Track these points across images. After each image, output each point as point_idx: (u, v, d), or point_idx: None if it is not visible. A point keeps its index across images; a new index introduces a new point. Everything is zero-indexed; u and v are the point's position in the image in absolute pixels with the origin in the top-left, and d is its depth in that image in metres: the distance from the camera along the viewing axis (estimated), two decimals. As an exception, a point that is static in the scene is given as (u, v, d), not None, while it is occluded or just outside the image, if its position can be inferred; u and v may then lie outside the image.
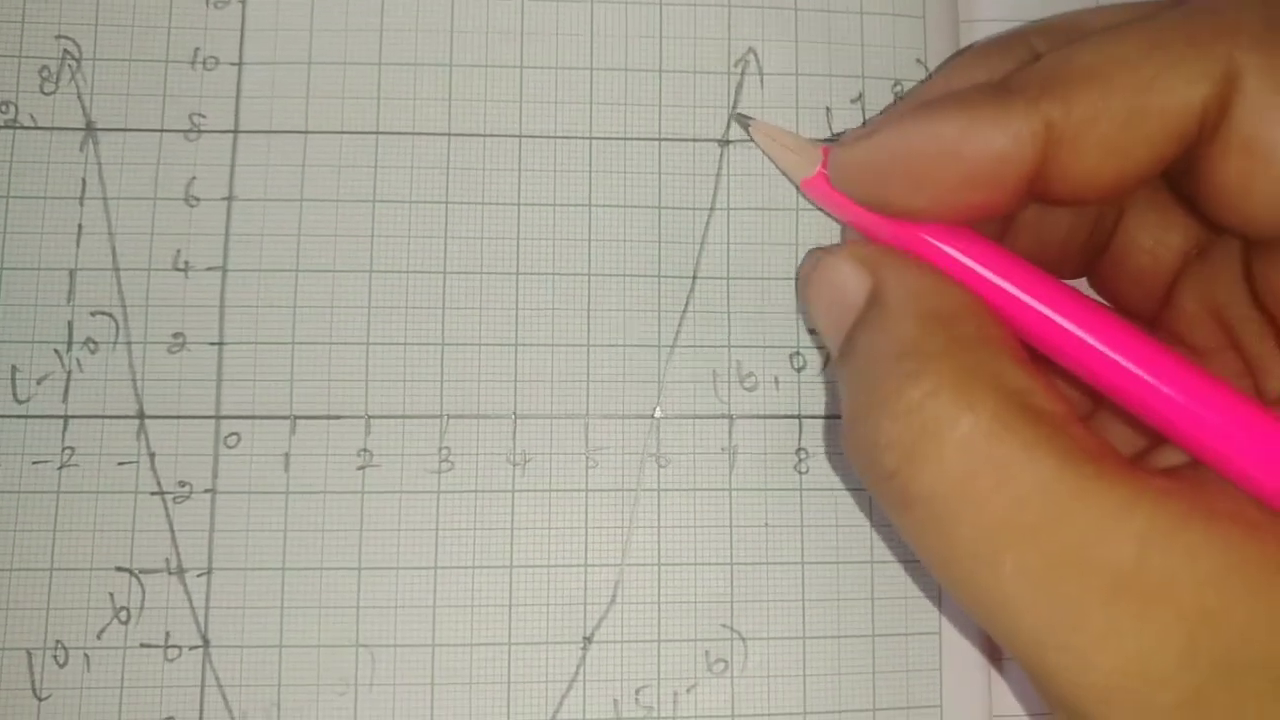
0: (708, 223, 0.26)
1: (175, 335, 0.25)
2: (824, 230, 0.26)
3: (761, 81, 0.27)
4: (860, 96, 0.27)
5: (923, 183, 0.20)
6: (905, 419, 0.18)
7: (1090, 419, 0.23)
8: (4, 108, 0.25)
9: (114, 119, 0.26)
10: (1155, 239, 0.23)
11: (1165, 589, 0.16)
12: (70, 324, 0.25)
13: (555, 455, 0.25)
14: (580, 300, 0.26)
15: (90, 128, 0.26)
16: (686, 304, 0.26)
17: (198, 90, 0.26)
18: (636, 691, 0.24)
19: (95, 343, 0.25)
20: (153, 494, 0.24)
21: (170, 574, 0.24)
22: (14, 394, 0.25)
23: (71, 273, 0.25)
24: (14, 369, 0.25)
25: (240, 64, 0.26)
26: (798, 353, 0.26)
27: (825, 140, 0.26)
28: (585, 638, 0.25)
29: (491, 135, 0.26)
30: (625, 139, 0.26)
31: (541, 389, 0.25)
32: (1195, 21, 0.18)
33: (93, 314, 0.25)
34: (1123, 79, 0.18)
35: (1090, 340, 0.19)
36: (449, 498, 0.25)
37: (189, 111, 0.26)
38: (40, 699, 0.24)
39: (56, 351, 0.25)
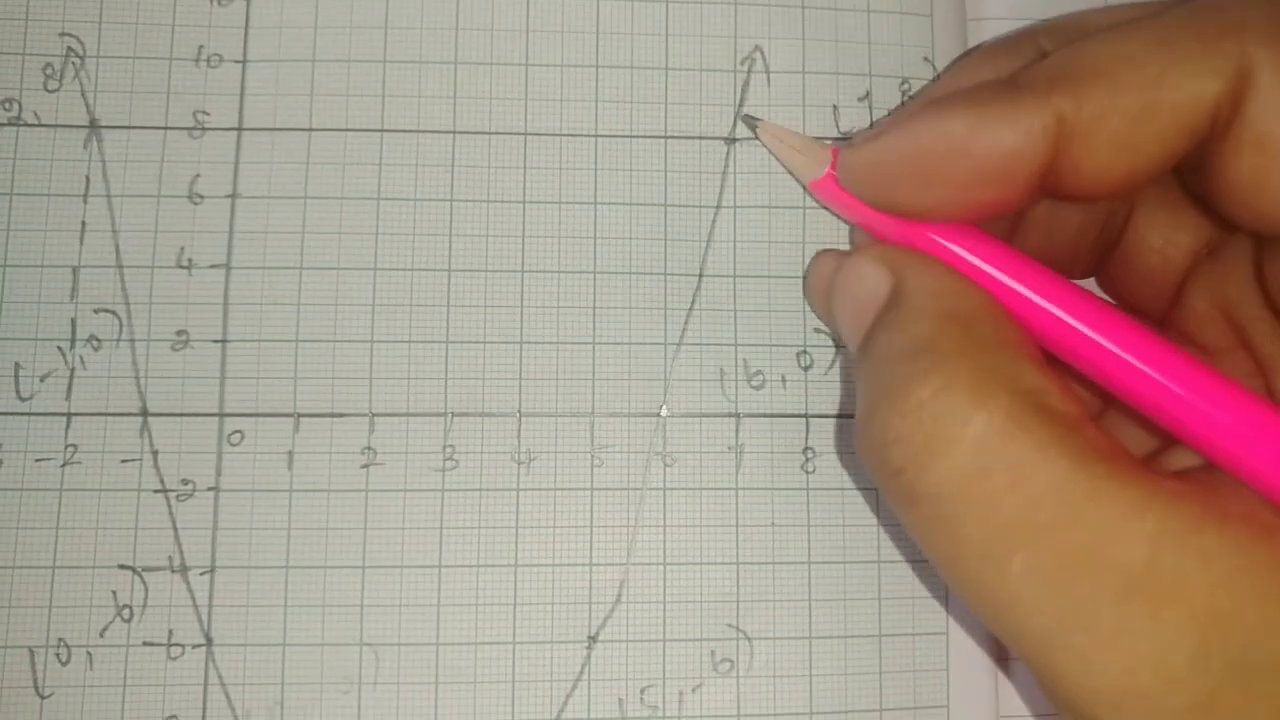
0: (714, 220, 0.26)
1: (179, 333, 0.25)
2: (831, 228, 0.26)
3: (768, 79, 0.27)
4: (867, 95, 0.27)
5: (933, 181, 0.20)
6: (914, 415, 0.18)
7: (1099, 420, 0.23)
8: (8, 105, 0.26)
9: (118, 116, 0.26)
10: (1165, 238, 0.23)
11: (1177, 591, 0.16)
12: (73, 321, 0.25)
13: (560, 454, 0.25)
14: (586, 298, 0.26)
15: (94, 125, 0.26)
16: (693, 302, 0.26)
17: (202, 87, 0.26)
18: (641, 691, 0.25)
19: (98, 340, 0.25)
20: (156, 492, 0.25)
21: (173, 572, 0.24)
22: (17, 391, 0.25)
23: (75, 270, 0.25)
24: (17, 366, 0.25)
25: (244, 61, 0.26)
26: (805, 351, 0.26)
27: (833, 140, 0.26)
28: (590, 637, 0.25)
29: (497, 133, 0.26)
30: (631, 137, 0.26)
31: (547, 387, 0.25)
32: (1205, 18, 0.18)
33: (96, 311, 0.25)
34: (1133, 74, 0.18)
35: (1100, 340, 0.19)
36: (453, 496, 0.25)
37: (193, 109, 0.26)
38: (43, 697, 0.24)
39: (60, 349, 0.25)
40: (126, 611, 0.24)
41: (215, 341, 0.25)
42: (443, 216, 0.26)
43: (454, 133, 0.26)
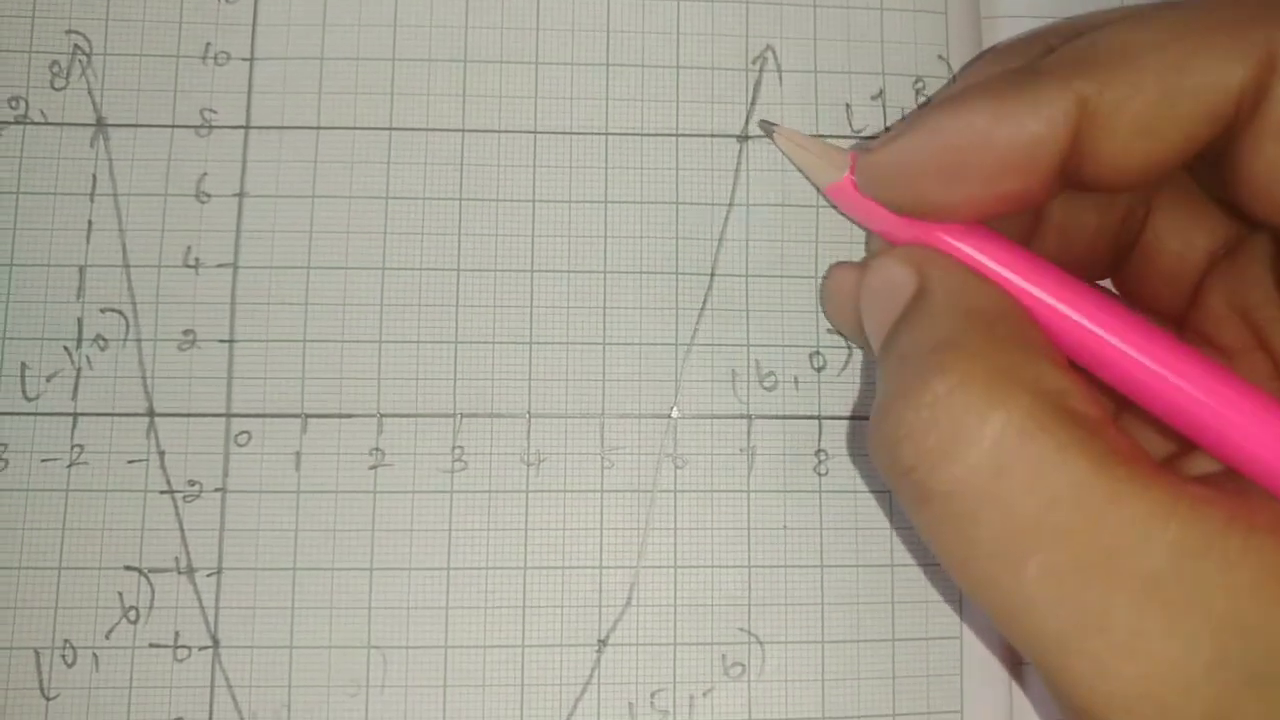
0: (726, 219, 0.26)
1: (185, 332, 0.26)
2: (846, 227, 0.26)
3: (780, 78, 0.27)
4: (881, 93, 0.27)
5: (957, 176, 0.20)
6: (929, 409, 0.18)
7: (1115, 421, 0.23)
8: (14, 103, 0.26)
9: (125, 114, 0.26)
10: (1182, 240, 0.23)
11: (1198, 598, 0.16)
12: (80, 321, 0.25)
13: (570, 455, 0.26)
14: (596, 298, 0.26)
15: (101, 123, 0.26)
16: (704, 301, 0.26)
17: (209, 85, 0.26)
18: (652, 695, 0.25)
19: (105, 340, 0.25)
20: (162, 493, 0.25)
21: (180, 573, 0.25)
22: (23, 391, 0.25)
23: (81, 269, 0.26)
24: (23, 366, 0.25)
25: (252, 59, 0.27)
26: (818, 352, 0.26)
27: (848, 140, 0.27)
28: (600, 640, 0.25)
29: (506, 131, 0.27)
30: (642, 135, 0.27)
31: (556, 388, 0.26)
32: (1230, 4, 0.19)
33: (102, 311, 0.25)
34: (1156, 58, 0.18)
35: (1117, 343, 0.20)
36: (462, 498, 0.25)
37: (200, 107, 0.26)
38: (48, 698, 0.24)
39: (66, 349, 0.25)
40: (133, 613, 0.24)
41: (222, 341, 0.26)
42: (451, 215, 0.26)
43: (463, 131, 0.27)
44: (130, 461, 0.25)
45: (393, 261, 0.26)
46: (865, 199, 0.23)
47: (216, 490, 0.25)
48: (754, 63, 0.27)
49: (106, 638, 0.24)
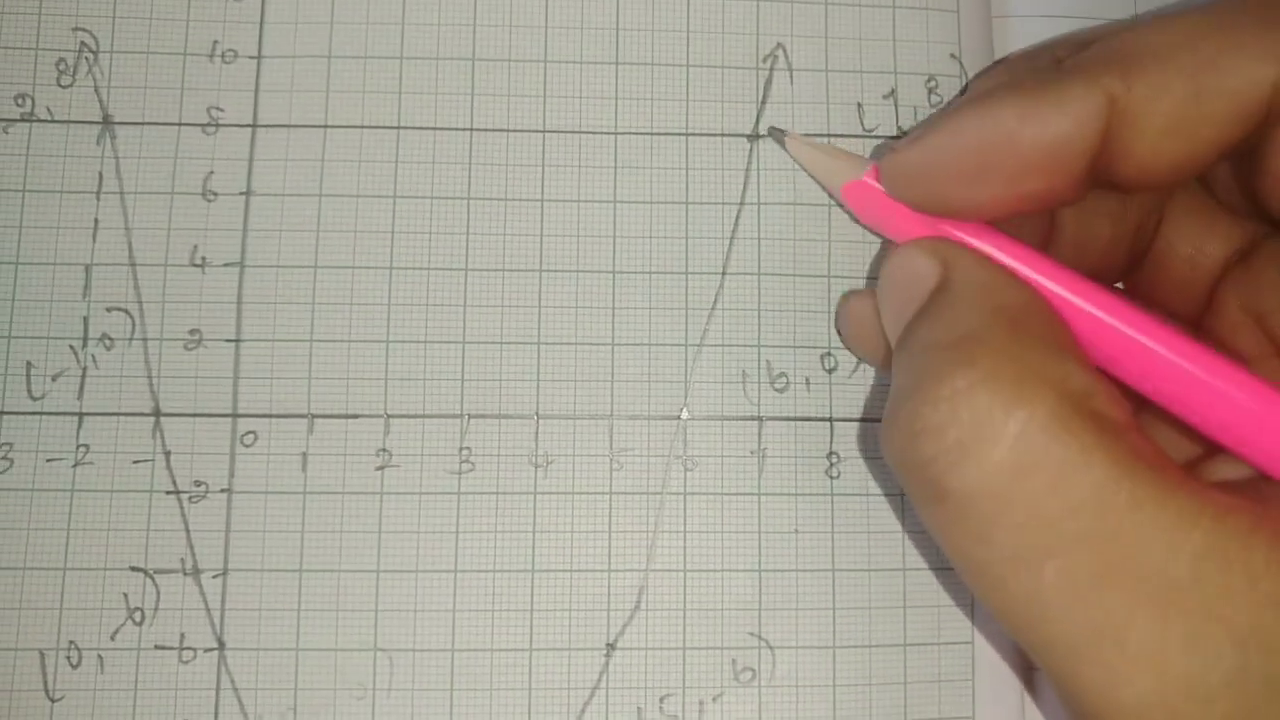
0: (737, 217, 0.26)
1: (192, 332, 0.26)
2: (857, 226, 0.26)
3: (791, 77, 0.27)
4: (893, 92, 0.27)
5: (984, 175, 0.20)
6: (948, 404, 0.18)
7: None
8: (20, 100, 0.26)
9: (131, 112, 0.26)
10: (1195, 247, 0.23)
11: (1220, 608, 0.16)
12: (86, 320, 0.26)
13: (579, 457, 0.26)
14: (605, 298, 0.26)
15: (107, 121, 0.26)
16: (715, 301, 0.26)
17: (216, 84, 0.27)
18: (661, 700, 0.25)
19: (111, 339, 0.26)
20: (168, 493, 0.25)
21: (185, 575, 0.25)
22: (29, 390, 0.25)
23: (87, 268, 0.26)
24: (29, 365, 0.25)
25: (259, 57, 0.27)
26: (829, 353, 0.26)
27: (859, 139, 0.27)
28: (609, 644, 0.25)
29: (515, 130, 0.27)
30: (651, 134, 0.27)
31: (565, 389, 0.26)
32: (1261, 4, 0.19)
33: (108, 310, 0.26)
34: (1186, 57, 0.18)
35: (1145, 340, 0.19)
36: (469, 499, 0.25)
37: (207, 105, 0.27)
38: (53, 700, 0.24)
39: (72, 348, 0.26)
40: (138, 614, 0.25)
41: (229, 341, 0.26)
42: (460, 215, 0.26)
43: (471, 130, 0.27)
44: (136, 462, 0.25)
45: (400, 261, 0.26)
46: (880, 202, 0.23)
47: (222, 491, 0.25)
48: (764, 61, 0.27)
49: (112, 639, 0.25)
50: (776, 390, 0.26)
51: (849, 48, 0.27)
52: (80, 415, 0.25)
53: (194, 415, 0.25)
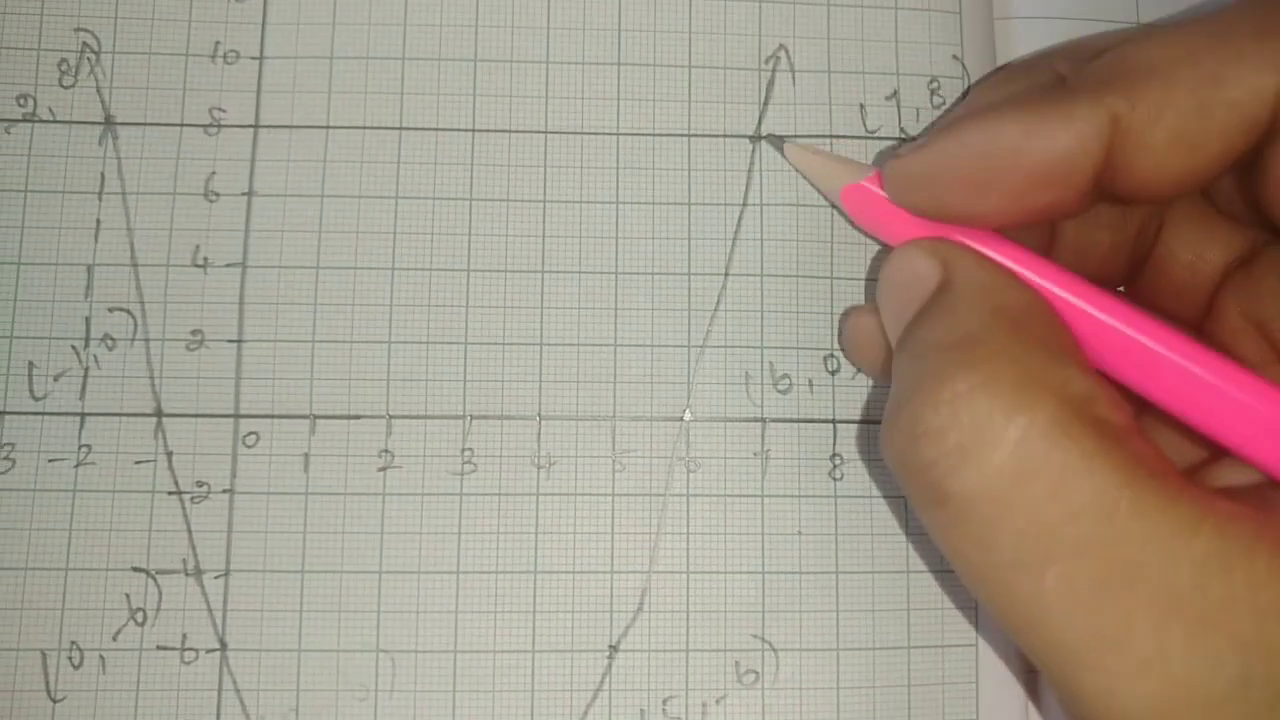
0: (740, 218, 0.27)
1: (194, 332, 0.26)
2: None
3: (793, 78, 0.28)
4: (895, 94, 0.28)
5: (987, 188, 0.20)
6: (948, 408, 0.18)
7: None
8: (23, 101, 0.27)
9: (133, 113, 0.27)
10: (1194, 253, 0.23)
11: (1223, 616, 0.16)
12: (88, 320, 0.26)
13: (581, 458, 0.26)
14: (607, 299, 0.27)
15: (109, 122, 0.27)
16: (718, 302, 0.27)
17: (218, 84, 0.27)
18: (664, 702, 0.25)
19: (113, 339, 0.26)
20: (170, 494, 0.25)
21: (187, 575, 0.25)
22: (30, 391, 0.26)
23: (89, 268, 0.26)
24: (31, 365, 0.26)
25: (261, 58, 0.27)
26: (832, 355, 0.26)
27: (862, 140, 0.27)
28: (611, 646, 0.25)
29: (517, 131, 0.27)
30: (654, 135, 0.27)
31: (567, 390, 0.26)
32: (1259, 14, 0.19)
33: (110, 310, 0.26)
34: (1189, 71, 0.19)
35: (1149, 343, 0.20)
36: (472, 500, 0.26)
37: (209, 106, 0.27)
38: (55, 700, 0.24)
39: (74, 348, 0.26)
40: (140, 615, 0.25)
41: (230, 341, 0.26)
42: (462, 216, 0.27)
43: (473, 131, 0.27)
44: (138, 462, 0.25)
45: (402, 262, 0.26)
46: (879, 206, 0.23)
47: (224, 491, 0.25)
48: (767, 62, 0.28)
49: (114, 640, 0.25)
50: (779, 392, 0.26)
51: (851, 49, 0.28)
52: (82, 415, 0.26)
53: (196, 416, 0.26)
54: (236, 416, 0.26)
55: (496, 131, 0.27)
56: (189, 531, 0.25)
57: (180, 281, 0.26)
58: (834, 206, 0.26)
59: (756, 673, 0.25)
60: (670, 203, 0.27)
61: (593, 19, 0.28)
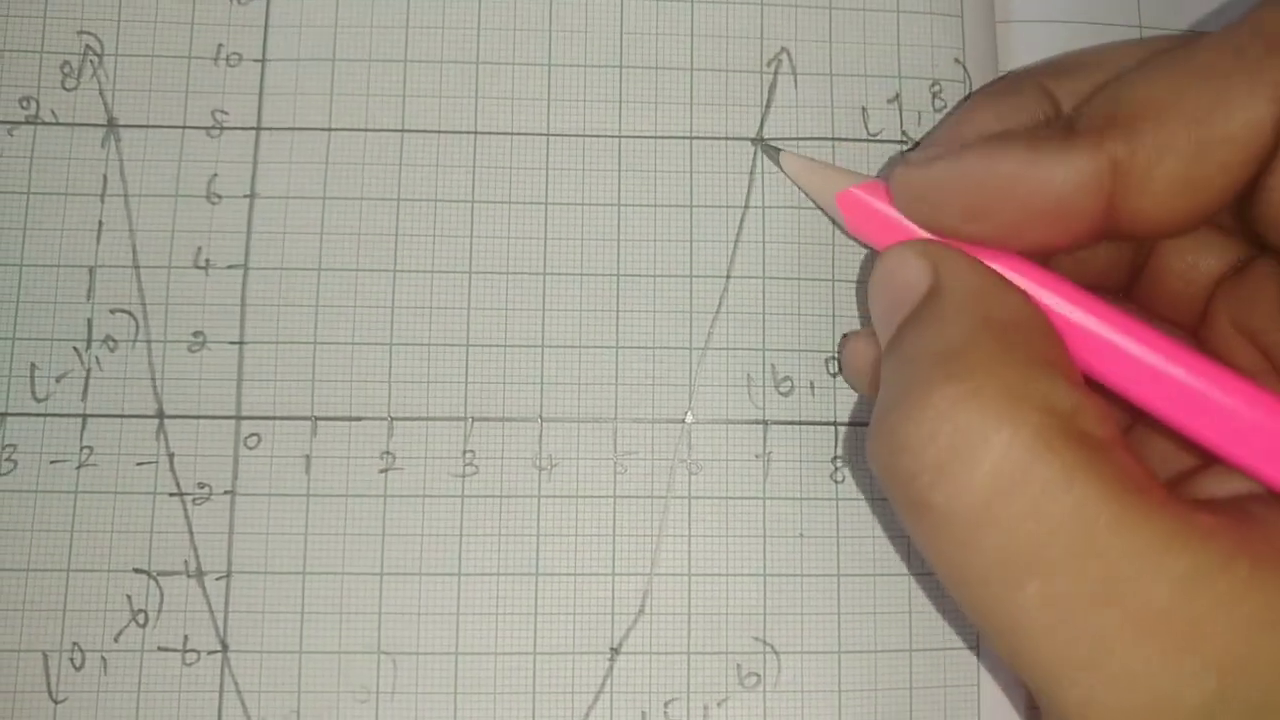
0: (741, 221, 0.27)
1: (195, 334, 0.27)
2: (860, 230, 0.27)
3: (795, 81, 0.28)
4: (897, 97, 0.28)
5: (984, 217, 0.21)
6: (932, 421, 0.18)
7: (1126, 436, 0.23)
8: (25, 103, 0.27)
9: (136, 115, 0.27)
10: (1188, 262, 0.23)
11: (1199, 633, 0.17)
12: (90, 322, 0.26)
13: (582, 460, 0.26)
14: (609, 301, 0.27)
15: (112, 124, 0.27)
16: (719, 305, 0.27)
17: (220, 86, 0.28)
18: (665, 704, 0.26)
19: (115, 341, 0.26)
20: (172, 495, 0.26)
21: (189, 577, 0.26)
22: (32, 392, 0.26)
23: (91, 270, 0.27)
24: (33, 366, 0.26)
25: (264, 60, 0.28)
26: (834, 357, 0.27)
27: (863, 143, 0.28)
28: (613, 648, 0.26)
29: (519, 133, 0.28)
30: (655, 137, 0.28)
31: (569, 392, 0.27)
32: (1242, 41, 0.19)
33: (112, 312, 0.26)
34: (1182, 110, 0.19)
35: (1137, 350, 0.20)
36: (473, 502, 0.26)
37: (211, 108, 0.27)
38: (56, 701, 0.25)
39: (76, 349, 0.26)
40: (141, 616, 0.25)
41: (232, 343, 0.27)
42: (463, 218, 0.27)
43: (475, 133, 0.28)
44: (139, 463, 0.26)
45: (404, 264, 0.27)
46: (874, 216, 0.23)
47: (226, 493, 0.26)
48: (769, 65, 0.28)
49: (115, 641, 0.25)
50: (781, 394, 0.27)
51: (853, 52, 0.28)
52: (84, 417, 0.26)
53: (197, 417, 0.26)
54: (238, 418, 0.26)
55: (498, 134, 0.28)
56: (190, 533, 0.26)
57: (182, 283, 0.27)
58: (829, 216, 0.26)
59: (758, 675, 0.26)
60: (672, 205, 0.27)
61: (595, 22, 0.28)
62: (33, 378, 0.26)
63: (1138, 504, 0.17)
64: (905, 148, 0.28)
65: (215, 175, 0.27)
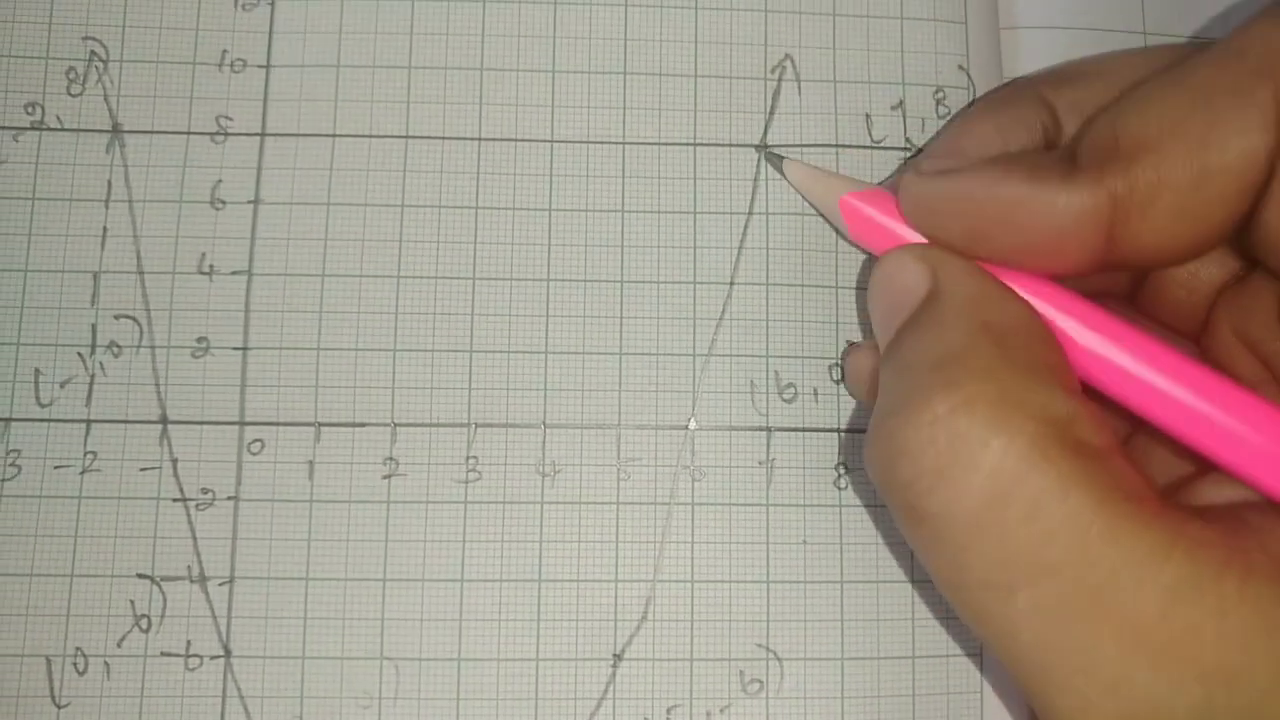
0: (745, 227, 0.28)
1: (199, 340, 0.27)
2: (864, 237, 0.28)
3: (799, 88, 0.28)
4: (901, 103, 0.28)
5: (985, 240, 0.21)
6: (928, 429, 0.18)
7: (1127, 444, 0.23)
8: (30, 109, 0.28)
9: (140, 121, 0.28)
10: (1189, 271, 0.23)
11: (1187, 643, 0.17)
12: (94, 327, 0.27)
13: (586, 466, 0.27)
14: (613, 307, 0.27)
15: (116, 130, 0.28)
16: (723, 311, 0.27)
17: (225, 92, 0.28)
18: (668, 711, 0.26)
19: (119, 346, 0.27)
20: (175, 500, 0.26)
21: (192, 582, 0.26)
22: (37, 397, 0.26)
23: (96, 275, 0.27)
24: (37, 372, 0.26)
25: (268, 66, 0.28)
26: (838, 364, 0.27)
27: (867, 150, 0.28)
28: (615, 655, 0.26)
29: (523, 140, 0.28)
30: (659, 144, 0.28)
31: (572, 398, 0.27)
32: (1230, 68, 0.19)
33: (116, 317, 0.27)
34: (1177, 143, 0.19)
35: (1132, 364, 0.20)
36: (476, 508, 0.26)
37: (216, 114, 0.28)
38: (59, 706, 0.25)
39: (80, 355, 0.27)
40: (144, 621, 0.26)
41: (236, 349, 0.27)
42: (467, 224, 0.27)
43: (479, 139, 0.28)
44: (143, 469, 0.26)
45: (408, 270, 0.27)
46: (876, 224, 0.23)
47: (229, 498, 0.26)
48: (773, 72, 0.28)
49: (118, 646, 0.25)
50: (785, 401, 0.27)
51: (857, 59, 0.29)
52: (88, 422, 0.26)
53: (201, 423, 0.26)
54: (241, 424, 0.26)
55: (502, 140, 0.28)
56: (194, 538, 0.26)
57: (186, 289, 0.27)
58: (831, 224, 0.27)
59: (761, 682, 0.26)
60: (676, 211, 0.28)
61: (599, 28, 0.28)
62: (37, 383, 0.26)
63: (1130, 513, 0.17)
64: (909, 155, 0.28)
65: (220, 181, 0.27)
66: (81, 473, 0.26)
